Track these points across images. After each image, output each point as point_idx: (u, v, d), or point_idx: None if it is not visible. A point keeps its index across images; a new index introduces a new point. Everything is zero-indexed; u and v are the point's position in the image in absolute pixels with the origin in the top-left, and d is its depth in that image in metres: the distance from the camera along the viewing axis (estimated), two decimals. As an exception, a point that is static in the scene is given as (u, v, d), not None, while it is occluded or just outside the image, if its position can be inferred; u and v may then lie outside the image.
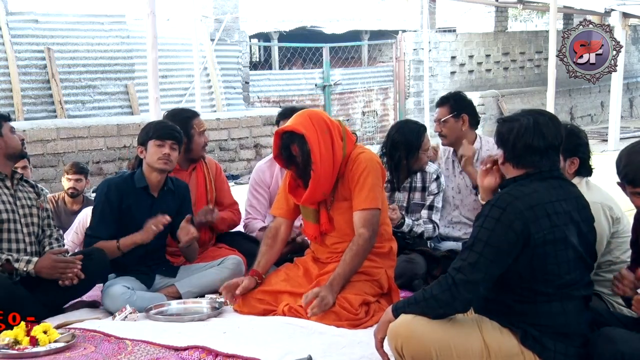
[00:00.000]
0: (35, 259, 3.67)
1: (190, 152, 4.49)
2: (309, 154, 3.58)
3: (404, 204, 4.52)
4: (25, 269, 3.62)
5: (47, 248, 3.88)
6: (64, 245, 4.02)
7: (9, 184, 3.84)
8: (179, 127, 4.16)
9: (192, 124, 4.50)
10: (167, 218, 3.92)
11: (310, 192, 3.65)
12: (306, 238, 4.11)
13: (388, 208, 4.11)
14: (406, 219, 4.39)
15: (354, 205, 3.64)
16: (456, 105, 4.56)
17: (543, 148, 2.70)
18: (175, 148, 4.02)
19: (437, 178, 4.51)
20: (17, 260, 3.63)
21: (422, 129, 4.48)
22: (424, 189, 4.51)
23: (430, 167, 4.53)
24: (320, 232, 3.77)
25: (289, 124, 3.68)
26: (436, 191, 4.51)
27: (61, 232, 4.09)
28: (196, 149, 4.51)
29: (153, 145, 3.98)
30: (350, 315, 3.50)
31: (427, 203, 4.51)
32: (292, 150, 3.63)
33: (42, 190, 4.08)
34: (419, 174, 4.50)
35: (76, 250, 4.78)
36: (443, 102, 4.63)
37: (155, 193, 4.08)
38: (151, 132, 4.01)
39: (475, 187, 4.45)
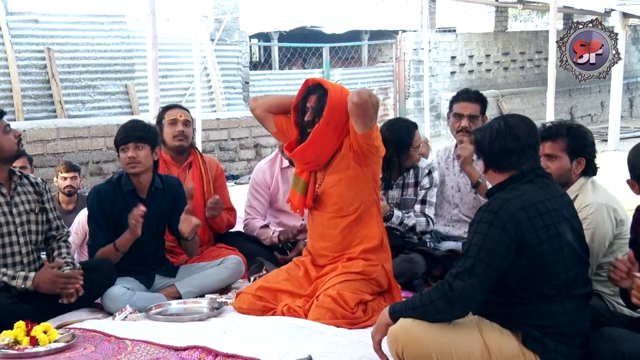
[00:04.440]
0: (32, 274, 3.57)
1: (164, 143, 4.53)
2: (322, 108, 3.61)
3: (398, 201, 4.51)
4: (23, 286, 3.53)
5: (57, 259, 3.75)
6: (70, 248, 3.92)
7: (4, 190, 3.64)
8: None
9: (164, 115, 4.59)
10: (141, 208, 3.85)
11: (306, 145, 3.65)
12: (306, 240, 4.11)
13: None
14: (395, 211, 4.38)
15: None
16: (485, 104, 4.60)
17: (519, 149, 2.75)
18: (141, 147, 3.94)
19: (430, 173, 4.50)
20: (14, 278, 3.53)
21: (412, 126, 4.48)
22: (416, 184, 4.51)
23: (422, 163, 4.53)
24: (304, 205, 3.79)
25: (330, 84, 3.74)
26: (428, 185, 4.49)
27: (70, 232, 3.96)
28: (167, 138, 4.54)
29: (120, 151, 3.99)
30: (347, 313, 3.49)
31: (420, 197, 4.48)
32: (308, 100, 3.67)
33: (44, 186, 3.88)
34: (411, 170, 4.51)
35: (76, 252, 4.78)
36: (476, 98, 4.56)
37: (144, 195, 4.05)
38: (117, 138, 4.02)
39: (475, 186, 4.46)
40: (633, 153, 2.87)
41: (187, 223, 3.94)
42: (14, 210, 3.66)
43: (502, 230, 2.60)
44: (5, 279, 3.52)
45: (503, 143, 2.75)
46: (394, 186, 4.52)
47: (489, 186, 4.32)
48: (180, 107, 4.75)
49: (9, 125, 3.66)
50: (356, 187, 3.70)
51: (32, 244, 3.73)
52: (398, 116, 13.76)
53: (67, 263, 3.74)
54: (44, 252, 3.92)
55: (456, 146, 4.68)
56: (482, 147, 2.81)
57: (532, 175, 2.75)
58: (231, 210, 4.78)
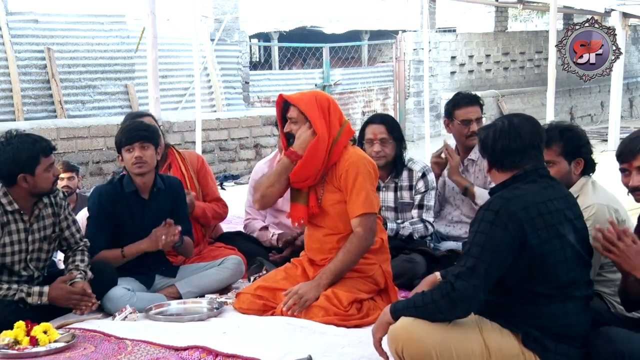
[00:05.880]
0: (46, 289, 3.56)
1: None
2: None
3: (391, 204, 4.49)
4: (38, 302, 3.53)
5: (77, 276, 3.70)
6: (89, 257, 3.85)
7: (26, 217, 3.63)
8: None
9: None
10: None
11: (304, 161, 3.62)
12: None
13: None
14: (389, 223, 4.35)
15: (350, 211, 3.62)
16: (483, 105, 4.63)
17: (521, 148, 2.75)
18: (146, 147, 3.94)
19: (424, 175, 4.45)
20: (29, 295, 3.53)
21: (365, 123, 4.46)
22: (410, 187, 4.47)
23: (416, 165, 4.47)
24: (308, 214, 3.75)
25: (293, 96, 3.73)
26: (424, 189, 4.44)
27: (88, 243, 3.90)
28: None
29: (124, 152, 3.96)
30: (339, 311, 3.50)
31: (416, 202, 4.45)
32: (288, 111, 3.67)
33: (63, 203, 3.79)
34: (405, 173, 4.46)
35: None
36: (476, 100, 4.59)
37: (146, 195, 4.04)
38: (120, 139, 3.98)
39: (465, 193, 4.47)
40: (619, 145, 2.92)
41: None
42: (30, 238, 3.66)
43: (504, 230, 2.60)
44: (23, 294, 3.52)
45: (506, 142, 2.75)
46: (383, 188, 4.47)
47: (477, 190, 4.37)
48: (145, 114, 4.75)
49: (53, 163, 3.65)
50: None
51: (40, 270, 3.76)
52: (399, 117, 13.81)
53: (79, 270, 3.72)
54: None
55: (456, 147, 4.67)
56: (486, 145, 2.82)
57: (536, 175, 2.76)
58: (218, 200, 4.73)
